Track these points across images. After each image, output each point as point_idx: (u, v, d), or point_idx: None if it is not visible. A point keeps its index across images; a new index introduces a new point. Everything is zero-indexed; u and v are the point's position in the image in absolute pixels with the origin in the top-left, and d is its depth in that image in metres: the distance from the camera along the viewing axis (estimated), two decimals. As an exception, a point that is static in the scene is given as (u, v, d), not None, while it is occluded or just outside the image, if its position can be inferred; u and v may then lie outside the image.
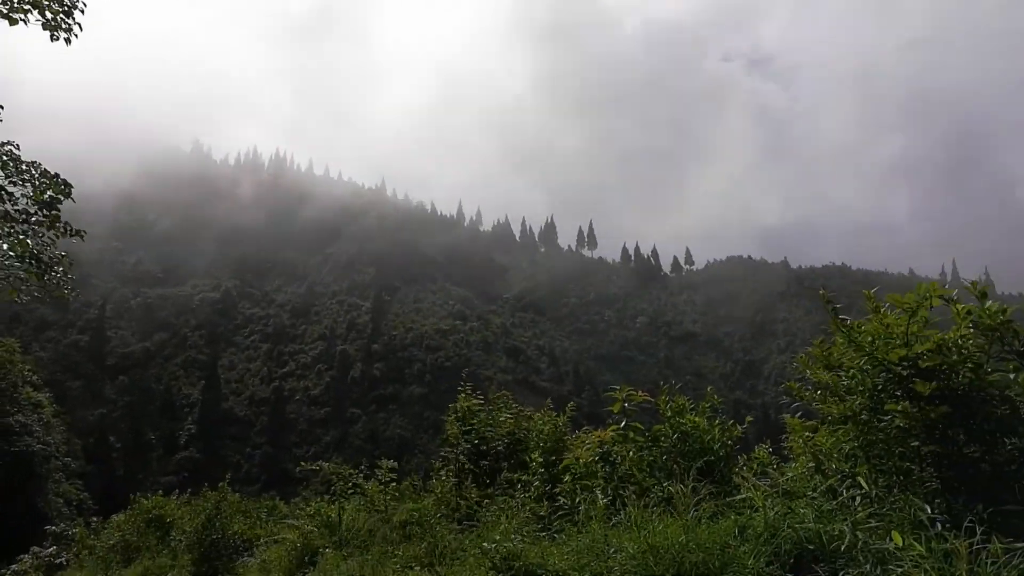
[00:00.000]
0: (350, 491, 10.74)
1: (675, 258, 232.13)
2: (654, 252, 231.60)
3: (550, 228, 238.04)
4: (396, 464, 10.75)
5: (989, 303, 3.99)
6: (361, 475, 10.71)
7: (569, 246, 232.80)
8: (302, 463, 11.68)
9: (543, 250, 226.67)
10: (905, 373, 3.94)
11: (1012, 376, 3.82)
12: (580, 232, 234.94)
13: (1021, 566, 3.22)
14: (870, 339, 4.09)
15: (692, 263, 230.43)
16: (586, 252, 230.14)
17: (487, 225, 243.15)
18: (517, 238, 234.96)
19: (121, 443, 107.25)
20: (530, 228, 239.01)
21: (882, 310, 4.14)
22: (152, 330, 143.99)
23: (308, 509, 12.63)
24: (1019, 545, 3.31)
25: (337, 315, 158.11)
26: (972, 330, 4.02)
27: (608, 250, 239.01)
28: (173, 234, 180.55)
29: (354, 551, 8.70)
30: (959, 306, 3.98)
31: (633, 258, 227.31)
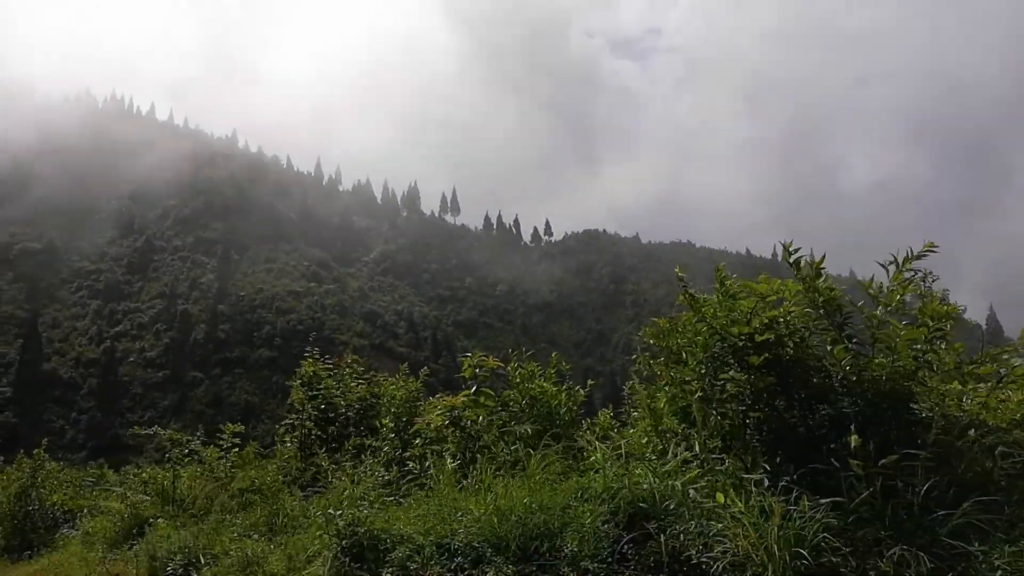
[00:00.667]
0: (187, 459, 10.14)
1: (535, 228, 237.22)
2: (515, 222, 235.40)
3: (413, 192, 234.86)
4: (241, 428, 10.26)
5: (821, 280, 4.32)
6: (199, 441, 10.11)
7: (432, 211, 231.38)
8: (135, 427, 10.85)
9: (405, 214, 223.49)
10: (741, 344, 4.21)
11: (829, 348, 4.19)
12: (443, 198, 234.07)
13: (824, 519, 3.56)
14: (712, 311, 4.33)
15: (551, 234, 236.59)
16: (448, 218, 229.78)
17: (347, 185, 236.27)
18: (379, 200, 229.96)
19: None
20: (392, 191, 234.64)
21: (730, 289, 4.38)
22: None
23: (141, 475, 11.85)
24: (823, 501, 3.65)
25: (179, 272, 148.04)
26: (802, 307, 4.35)
27: (472, 218, 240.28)
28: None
29: (189, 520, 8.24)
30: (791, 284, 4.29)
31: (495, 226, 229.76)
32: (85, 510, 11.67)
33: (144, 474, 10.82)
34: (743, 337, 4.18)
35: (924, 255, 4.10)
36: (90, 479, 15.28)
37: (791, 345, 4.30)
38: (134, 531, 8.99)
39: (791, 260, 4.28)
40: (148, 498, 9.74)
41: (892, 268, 4.21)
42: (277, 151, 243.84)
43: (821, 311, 4.24)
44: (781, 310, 4.41)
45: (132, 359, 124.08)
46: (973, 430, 4.02)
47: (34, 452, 12.30)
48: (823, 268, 4.41)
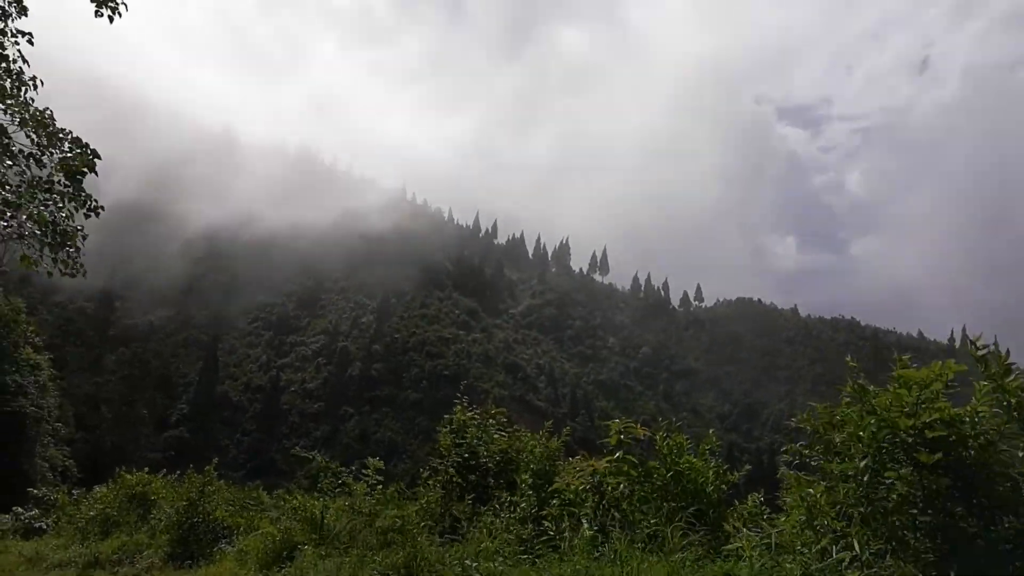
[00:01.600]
0: (336, 489, 10.66)
1: (685, 292, 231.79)
2: (664, 284, 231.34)
3: (564, 248, 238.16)
4: (383, 465, 10.65)
5: (1012, 377, 3.93)
6: (351, 474, 10.62)
7: (581, 269, 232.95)
8: (295, 449, 11.58)
9: (554, 270, 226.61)
10: (911, 440, 3.89)
11: (1020, 454, 3.76)
12: (593, 256, 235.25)
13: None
14: (886, 402, 4.03)
15: (702, 299, 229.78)
16: (597, 277, 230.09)
17: (501, 238, 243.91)
18: (530, 255, 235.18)
19: (113, 414, 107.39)
20: (544, 246, 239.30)
21: (899, 378, 4.08)
22: (157, 305, 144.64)
23: (292, 502, 12.57)
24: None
25: (343, 311, 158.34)
26: (991, 407, 3.96)
27: (622, 278, 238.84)
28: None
29: (333, 551, 8.62)
30: (982, 384, 3.92)
31: (643, 288, 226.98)
32: (242, 528, 12.49)
33: (295, 500, 11.45)
34: (912, 431, 3.85)
35: None
36: (250, 500, 16.37)
37: (975, 447, 3.91)
38: (284, 555, 9.51)
39: (977, 355, 3.91)
40: (298, 524, 10.28)
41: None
42: (440, 203, 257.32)
43: (1013, 414, 3.83)
44: (968, 408, 4.04)
45: (293, 389, 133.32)
46: None
47: (205, 469, 13.39)
48: (1012, 364, 3.99)
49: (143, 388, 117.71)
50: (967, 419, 3.92)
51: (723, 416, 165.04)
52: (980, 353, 3.91)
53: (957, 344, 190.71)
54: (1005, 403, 3.83)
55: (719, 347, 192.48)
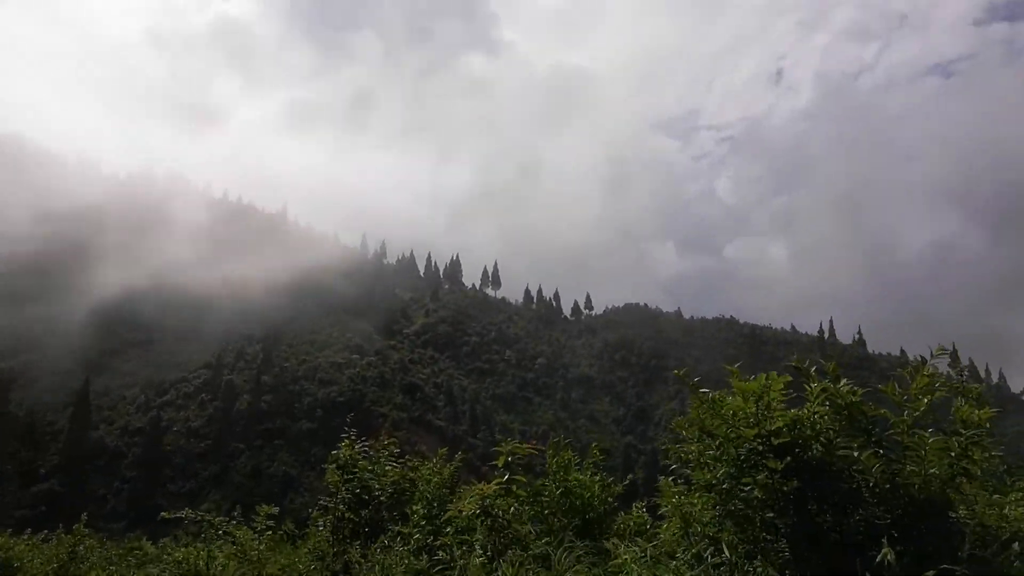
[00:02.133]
0: (220, 537, 10.17)
1: (576, 302, 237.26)
2: (556, 295, 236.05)
3: (455, 265, 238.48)
4: (276, 510, 10.26)
5: (842, 383, 4.30)
6: (233, 522, 10.14)
7: (473, 284, 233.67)
8: (164, 513, 10.96)
9: (447, 287, 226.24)
10: (760, 448, 4.18)
11: (856, 453, 4.13)
12: (484, 271, 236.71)
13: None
14: (732, 412, 4.32)
15: (591, 308, 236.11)
16: (490, 291, 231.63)
17: (391, 258, 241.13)
18: (421, 273, 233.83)
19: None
20: (435, 264, 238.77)
21: (737, 391, 4.39)
22: (19, 350, 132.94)
23: (175, 555, 11.85)
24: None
25: (227, 342, 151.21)
26: (827, 407, 4.31)
27: (513, 292, 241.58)
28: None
29: (220, 606, 8.22)
30: (814, 385, 4.27)
31: (535, 300, 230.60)
32: (120, 589, 11.66)
33: (177, 554, 10.82)
34: (759, 439, 4.16)
35: (939, 358, 4.08)
36: (130, 556, 15.26)
37: (818, 447, 4.25)
38: (167, 615, 8.98)
39: (800, 369, 4.28)
40: (182, 578, 9.73)
41: (917, 370, 4.17)
42: (325, 226, 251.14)
43: (845, 413, 4.20)
44: (805, 410, 4.38)
45: (176, 428, 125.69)
46: (1017, 544, 3.88)
47: (74, 527, 12.41)
48: (840, 373, 4.38)
49: (4, 441, 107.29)
50: (807, 421, 4.26)
51: (618, 420, 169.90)
52: (813, 369, 4.27)
53: (826, 335, 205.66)
54: (838, 407, 4.19)
55: (611, 353, 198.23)
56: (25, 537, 16.46)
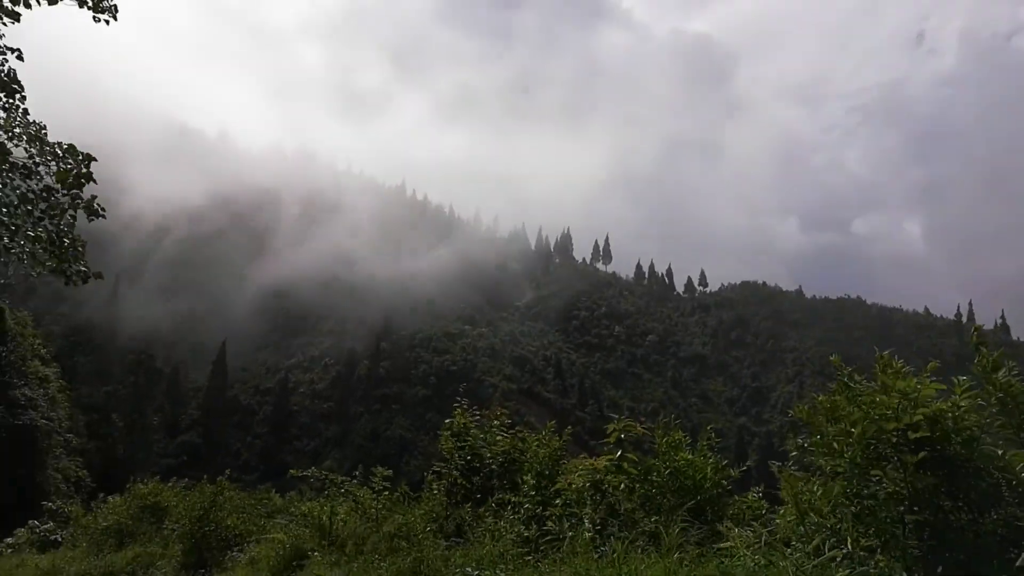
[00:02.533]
0: (342, 494, 10.78)
1: (689, 278, 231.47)
2: (668, 271, 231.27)
3: (566, 239, 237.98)
4: (391, 473, 10.76)
5: (1001, 372, 3.96)
6: (354, 481, 10.73)
7: (584, 259, 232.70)
8: (292, 471, 11.73)
9: (557, 261, 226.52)
10: (895, 440, 3.95)
11: (1000, 452, 3.82)
12: (596, 245, 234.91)
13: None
14: (871, 401, 4.08)
15: (706, 285, 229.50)
16: (600, 266, 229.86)
17: (503, 231, 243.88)
18: (532, 247, 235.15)
19: (124, 422, 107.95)
20: (546, 238, 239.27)
21: (891, 381, 4.12)
22: (165, 312, 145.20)
23: (301, 508, 12.71)
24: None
25: (349, 310, 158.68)
26: (975, 400, 4.01)
27: (625, 267, 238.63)
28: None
29: (341, 557, 8.74)
30: (962, 379, 3.98)
31: (647, 275, 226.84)
32: (253, 535, 12.65)
33: (304, 507, 11.59)
34: (896, 433, 3.92)
35: None
36: (261, 505, 16.52)
37: (959, 442, 3.96)
38: (293, 563, 9.64)
39: (975, 345, 3.95)
40: (307, 530, 10.41)
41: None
42: (440, 199, 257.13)
43: (996, 407, 3.88)
44: (950, 403, 4.08)
45: (302, 390, 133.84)
46: None
47: (217, 479, 13.55)
48: (1004, 359, 4.03)
49: (153, 395, 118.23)
50: (949, 415, 3.98)
51: (732, 400, 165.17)
52: (975, 343, 3.94)
53: (964, 319, 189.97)
54: (992, 396, 3.87)
55: (725, 332, 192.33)
56: (172, 484, 18.17)
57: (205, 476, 14.82)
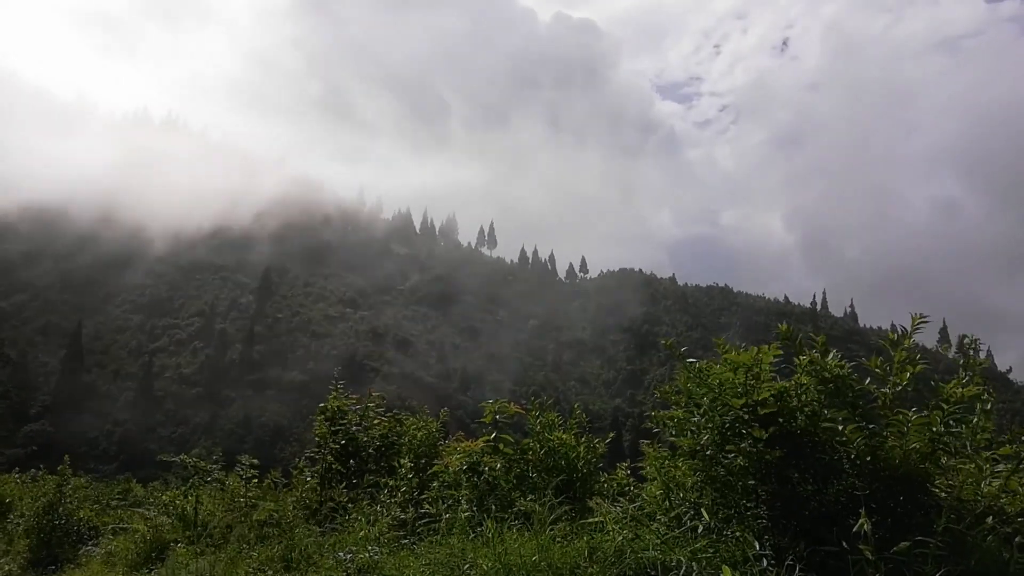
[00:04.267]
0: (209, 482, 10.30)
1: (571, 264, 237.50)
2: (551, 257, 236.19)
3: (451, 222, 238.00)
4: (257, 461, 10.37)
5: (831, 356, 4.32)
6: (220, 468, 10.28)
7: (469, 243, 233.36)
8: (161, 456, 11.10)
9: (442, 244, 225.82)
10: (746, 417, 4.22)
11: (840, 426, 4.17)
12: (481, 230, 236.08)
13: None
14: (718, 382, 4.35)
15: (586, 271, 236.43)
16: (485, 251, 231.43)
17: (387, 214, 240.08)
18: (417, 230, 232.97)
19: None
20: (431, 221, 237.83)
21: (726, 358, 4.40)
22: (12, 290, 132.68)
23: (163, 498, 12.05)
24: (831, 583, 3.60)
25: (219, 291, 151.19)
26: (813, 378, 4.34)
27: (509, 252, 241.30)
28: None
29: (207, 548, 8.35)
30: (802, 358, 4.29)
31: (531, 261, 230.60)
32: (110, 527, 11.87)
33: (165, 496, 11.01)
34: (745, 409, 4.19)
35: (918, 330, 4.11)
36: (117, 496, 15.53)
37: (802, 417, 4.29)
38: (154, 554, 9.13)
39: (791, 339, 4.29)
40: (170, 520, 9.89)
41: (901, 342, 4.19)
42: (320, 178, 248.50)
43: (831, 387, 4.22)
44: (792, 381, 4.41)
45: (168, 374, 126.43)
46: (991, 517, 3.94)
47: (58, 467, 12.58)
48: (828, 345, 4.40)
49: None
50: (793, 392, 4.30)
51: (608, 383, 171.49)
52: (797, 338, 4.28)
53: (819, 307, 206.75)
54: (824, 379, 4.21)
55: (603, 317, 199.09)
56: (17, 475, 16.72)
57: (41, 466, 13.77)
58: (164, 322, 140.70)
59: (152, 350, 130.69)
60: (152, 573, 8.57)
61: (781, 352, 4.30)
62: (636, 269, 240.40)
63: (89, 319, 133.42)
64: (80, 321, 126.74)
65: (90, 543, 11.75)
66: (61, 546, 11.55)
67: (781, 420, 4.19)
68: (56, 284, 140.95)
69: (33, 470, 17.00)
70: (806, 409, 4.22)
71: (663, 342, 4.79)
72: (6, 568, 11.16)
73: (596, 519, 5.22)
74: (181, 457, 10.53)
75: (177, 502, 10.08)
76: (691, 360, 4.70)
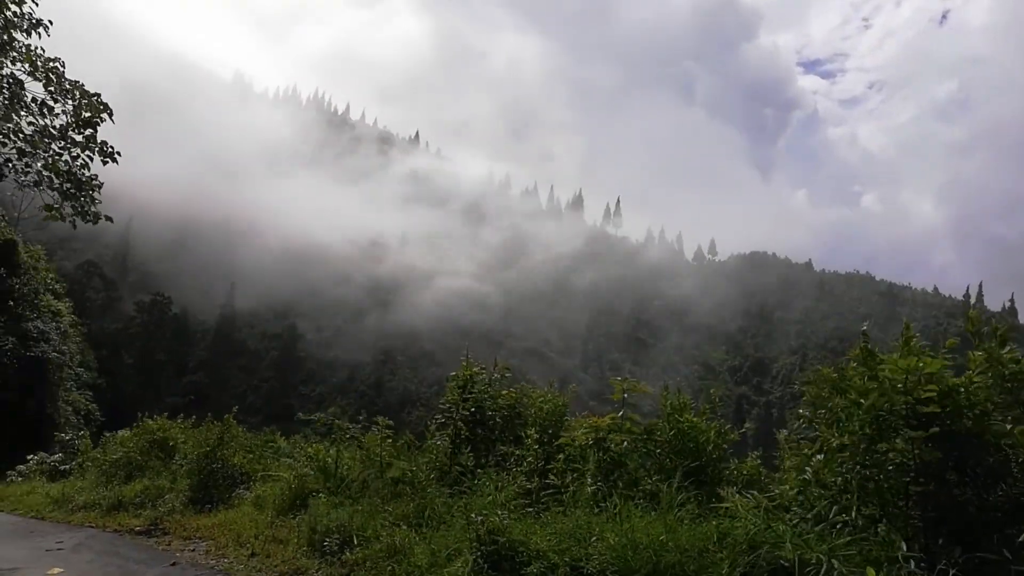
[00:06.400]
0: (348, 439, 10.93)
1: (699, 246, 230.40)
2: (678, 238, 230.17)
3: (577, 200, 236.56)
4: (392, 423, 10.88)
5: (1007, 349, 3.97)
6: (359, 427, 10.89)
7: (595, 221, 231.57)
8: (299, 414, 11.90)
9: (569, 222, 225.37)
10: (904, 413, 3.97)
11: (1009, 427, 3.83)
12: (607, 208, 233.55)
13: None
14: (889, 375, 4.08)
15: (715, 253, 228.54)
16: (611, 229, 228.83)
17: (515, 189, 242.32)
18: (543, 206, 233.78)
19: (133, 359, 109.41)
20: (557, 198, 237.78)
21: (914, 350, 4.10)
22: (177, 251, 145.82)
23: (307, 450, 12.91)
24: (988, 595, 3.35)
25: (355, 261, 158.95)
26: (986, 378, 4.01)
27: (635, 230, 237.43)
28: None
29: (346, 500, 8.90)
30: (977, 354, 3.97)
31: (657, 241, 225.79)
32: (259, 474, 12.87)
33: (310, 449, 11.76)
34: (906, 407, 3.93)
35: None
36: (267, 447, 16.76)
37: (970, 417, 3.98)
38: (298, 502, 9.84)
39: (973, 331, 3.95)
40: (312, 472, 10.59)
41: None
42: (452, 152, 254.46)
43: (1007, 384, 3.88)
44: (963, 379, 4.09)
45: (310, 337, 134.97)
46: None
47: (224, 417, 13.73)
48: (1010, 337, 4.02)
49: (162, 335, 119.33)
50: (962, 389, 3.99)
51: (734, 370, 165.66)
52: (975, 329, 3.95)
53: (972, 300, 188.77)
54: (1000, 375, 3.88)
55: (732, 301, 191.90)
56: (179, 421, 18.42)
57: (210, 415, 15.01)
58: (309, 288, 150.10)
59: (296, 313, 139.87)
60: (296, 518, 9.23)
61: (949, 362, 3.98)
62: (769, 253, 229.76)
63: (241, 281, 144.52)
64: (232, 283, 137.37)
65: (242, 487, 12.75)
66: (218, 488, 12.57)
67: (948, 420, 3.90)
68: (215, 247, 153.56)
69: (193, 417, 18.61)
70: (976, 408, 3.91)
71: (862, 330, 4.49)
72: (170, 504, 12.26)
73: (726, 505, 5.12)
74: (318, 415, 11.23)
75: (320, 455, 10.80)
76: (877, 353, 4.41)
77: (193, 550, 9.37)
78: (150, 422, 17.10)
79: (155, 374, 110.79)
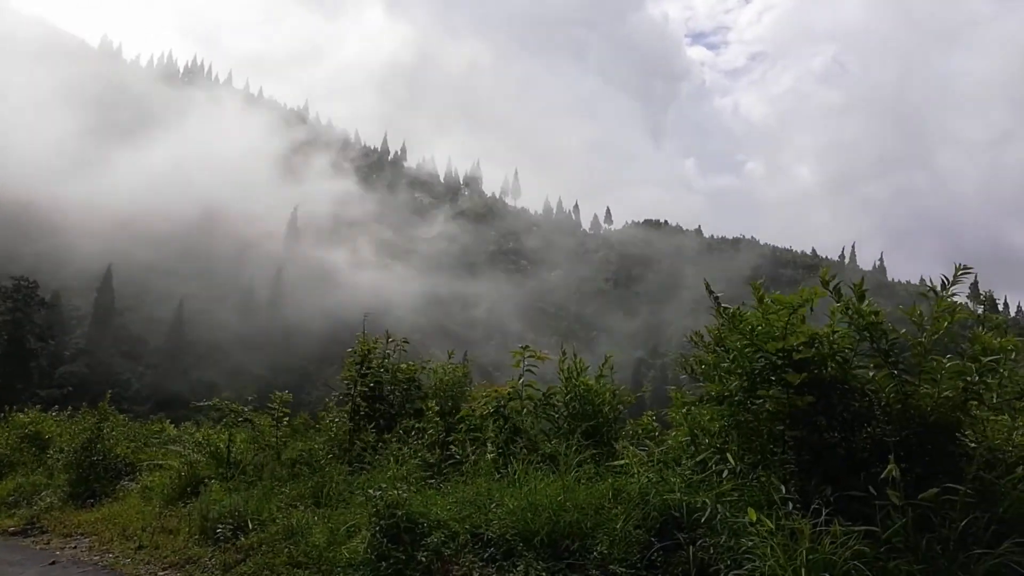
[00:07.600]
0: (241, 422, 10.55)
1: (595, 215, 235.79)
2: (575, 207, 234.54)
3: (475, 172, 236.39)
4: (291, 397, 10.57)
5: (866, 303, 4.26)
6: (252, 408, 10.52)
7: (493, 193, 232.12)
8: (193, 402, 11.38)
9: (466, 194, 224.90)
10: (779, 362, 4.20)
11: (871, 373, 4.14)
12: (505, 180, 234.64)
13: (855, 547, 3.54)
14: (750, 327, 4.32)
15: (611, 222, 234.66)
16: (509, 200, 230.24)
17: (411, 162, 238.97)
18: (441, 179, 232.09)
19: (1, 351, 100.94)
20: (455, 171, 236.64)
21: (766, 301, 4.37)
22: (44, 235, 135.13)
23: (196, 435, 12.38)
24: (857, 528, 3.62)
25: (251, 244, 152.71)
26: (847, 326, 4.30)
27: (532, 201, 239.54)
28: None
29: (240, 485, 8.61)
30: (835, 305, 4.25)
31: (555, 211, 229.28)
32: (145, 464, 12.25)
33: (199, 434, 11.31)
34: (780, 354, 4.17)
35: (959, 280, 4.02)
36: (153, 435, 15.97)
37: (833, 365, 4.26)
38: (188, 489, 9.44)
39: (827, 283, 4.22)
40: (203, 459, 10.17)
41: (937, 293, 4.12)
42: (345, 124, 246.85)
43: (865, 334, 4.18)
44: (825, 328, 4.37)
45: (198, 319, 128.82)
46: (1021, 467, 3.93)
47: (99, 404, 12.93)
48: (866, 290, 4.33)
49: (31, 322, 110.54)
50: (826, 339, 4.26)
51: (631, 335, 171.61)
52: (832, 284, 4.22)
53: (847, 261, 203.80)
54: (858, 325, 4.16)
55: (627, 268, 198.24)
56: (54, 413, 17.24)
57: (84, 404, 14.16)
58: (197, 266, 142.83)
59: (185, 295, 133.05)
60: (187, 507, 8.86)
61: (828, 293, 4.24)
62: (661, 220, 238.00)
63: (118, 265, 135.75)
64: (110, 265, 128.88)
65: (127, 478, 12.12)
66: (99, 481, 11.89)
67: (813, 367, 4.17)
68: (90, 227, 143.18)
69: (70, 408, 17.48)
70: (838, 356, 4.19)
71: (705, 282, 4.71)
72: (47, 500, 11.53)
73: (621, 461, 5.30)
74: (214, 401, 10.78)
75: (210, 440, 10.37)
76: (725, 306, 4.67)
77: (75, 547, 8.85)
78: (20, 416, 15.95)
79: (26, 365, 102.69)
